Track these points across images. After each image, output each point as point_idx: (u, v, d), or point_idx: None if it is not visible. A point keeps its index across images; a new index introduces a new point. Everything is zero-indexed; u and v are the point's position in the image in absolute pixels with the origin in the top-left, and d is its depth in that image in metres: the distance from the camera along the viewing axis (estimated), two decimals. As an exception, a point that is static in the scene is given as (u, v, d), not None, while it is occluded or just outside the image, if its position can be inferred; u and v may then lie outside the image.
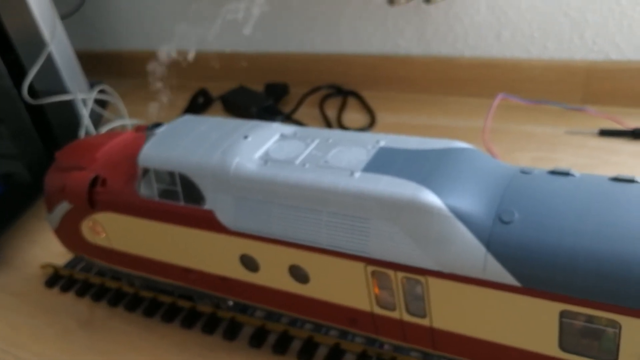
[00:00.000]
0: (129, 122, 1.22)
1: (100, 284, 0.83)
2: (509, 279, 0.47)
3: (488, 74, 1.13)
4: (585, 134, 0.99)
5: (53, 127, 1.10)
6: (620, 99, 1.04)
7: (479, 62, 1.13)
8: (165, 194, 0.63)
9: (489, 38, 1.11)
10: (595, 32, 1.02)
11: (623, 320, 0.44)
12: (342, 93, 1.26)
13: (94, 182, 0.69)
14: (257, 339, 0.70)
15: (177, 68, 1.49)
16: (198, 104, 1.33)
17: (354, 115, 1.18)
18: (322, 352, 0.67)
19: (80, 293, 0.83)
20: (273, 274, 0.60)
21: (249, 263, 0.61)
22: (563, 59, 1.07)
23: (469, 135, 1.03)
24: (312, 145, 0.59)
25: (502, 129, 1.04)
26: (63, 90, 1.12)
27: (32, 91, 1.04)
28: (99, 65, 1.59)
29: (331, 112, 1.20)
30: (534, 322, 0.48)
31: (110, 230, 0.70)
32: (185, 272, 0.68)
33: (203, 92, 1.34)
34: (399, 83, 1.22)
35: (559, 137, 0.99)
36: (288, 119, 1.19)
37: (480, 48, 1.13)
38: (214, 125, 0.65)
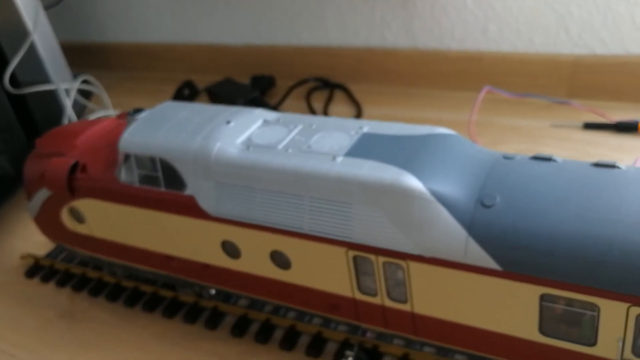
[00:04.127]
0: (113, 113, 1.21)
1: (81, 274, 0.82)
2: (490, 263, 0.47)
3: (474, 68, 1.13)
4: (570, 127, 0.99)
5: (36, 118, 1.09)
6: (605, 93, 1.04)
7: (466, 56, 1.13)
8: (146, 179, 0.62)
9: (476, 32, 1.11)
10: (580, 27, 1.03)
11: (601, 302, 0.44)
12: (329, 86, 1.26)
13: (74, 168, 0.68)
14: (239, 328, 0.70)
15: (163, 60, 1.49)
16: (183, 96, 1.32)
17: (340, 108, 1.18)
18: (304, 340, 0.67)
19: (61, 283, 0.83)
20: (254, 260, 0.60)
21: (230, 249, 0.61)
22: (549, 53, 1.07)
23: (455, 128, 1.03)
24: (295, 131, 0.59)
25: (488, 121, 1.04)
26: (46, 80, 1.11)
27: (14, 82, 1.03)
28: (84, 57, 1.58)
29: (318, 105, 1.20)
30: (514, 306, 0.48)
31: (91, 217, 0.69)
32: (167, 260, 0.67)
33: (189, 84, 1.33)
34: (386, 76, 1.22)
35: (543, 130, 0.99)
36: (274, 111, 1.19)
37: (467, 42, 1.13)
38: (196, 110, 0.65)
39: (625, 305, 0.43)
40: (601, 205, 0.45)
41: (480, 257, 0.47)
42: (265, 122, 0.62)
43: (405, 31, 1.17)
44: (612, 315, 0.44)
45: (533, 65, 1.08)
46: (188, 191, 0.60)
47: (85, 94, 1.21)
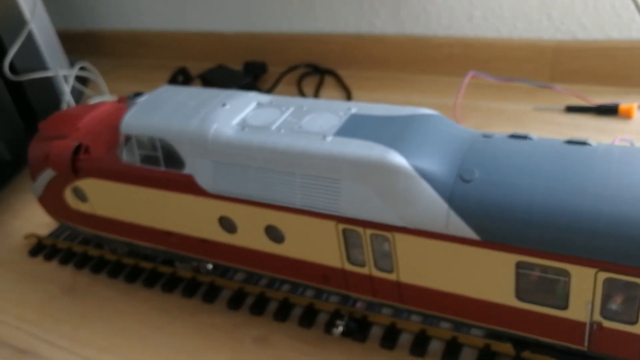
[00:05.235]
0: (110, 98, 1.24)
1: (83, 252, 0.86)
2: (470, 233, 0.50)
3: (460, 53, 1.16)
4: (553, 110, 1.02)
5: (33, 105, 1.12)
6: (586, 77, 1.07)
7: (452, 42, 1.17)
8: (147, 159, 0.66)
9: (461, 18, 1.14)
10: (562, 13, 1.06)
11: (572, 268, 0.48)
12: (319, 72, 1.29)
13: (77, 149, 0.71)
14: (235, 301, 0.73)
15: (157, 47, 1.52)
16: (178, 82, 1.35)
17: (330, 93, 1.21)
18: (297, 311, 0.71)
19: (64, 261, 0.86)
20: (250, 234, 0.63)
21: (227, 225, 0.64)
22: (532, 39, 1.11)
23: (441, 111, 1.05)
24: (287, 113, 0.62)
25: (473, 105, 1.07)
26: (43, 67, 1.13)
27: (12, 70, 1.05)
28: (79, 45, 1.60)
29: (308, 90, 1.23)
30: (492, 273, 0.51)
31: (93, 196, 0.73)
32: (166, 236, 0.70)
33: (182, 71, 1.36)
34: (375, 62, 1.26)
35: (527, 113, 1.03)
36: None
37: (453, 28, 1.16)
38: (193, 94, 0.68)
39: (593, 270, 0.47)
40: (571, 179, 0.49)
41: (461, 228, 0.51)
42: (259, 105, 0.65)
43: (393, 18, 1.20)
44: (582, 280, 0.48)
45: (517, 50, 1.11)
46: (187, 170, 0.63)
47: (82, 80, 1.24)
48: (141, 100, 0.69)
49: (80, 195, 0.74)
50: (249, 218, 0.62)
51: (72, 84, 1.15)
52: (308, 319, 0.69)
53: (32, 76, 1.08)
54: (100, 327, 0.74)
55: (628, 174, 0.48)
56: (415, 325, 0.65)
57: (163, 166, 0.65)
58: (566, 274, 0.48)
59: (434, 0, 1.14)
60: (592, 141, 0.53)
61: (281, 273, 0.65)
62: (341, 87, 1.23)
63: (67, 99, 1.13)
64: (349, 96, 1.17)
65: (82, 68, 1.20)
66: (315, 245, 0.60)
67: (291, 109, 0.63)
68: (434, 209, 0.52)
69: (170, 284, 0.78)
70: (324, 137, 0.57)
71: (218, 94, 0.67)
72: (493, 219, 0.49)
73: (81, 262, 0.85)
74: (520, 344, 0.57)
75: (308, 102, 0.64)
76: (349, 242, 0.58)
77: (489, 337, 0.61)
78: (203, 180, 0.62)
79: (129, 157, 0.67)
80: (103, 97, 1.24)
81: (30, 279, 0.84)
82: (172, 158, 0.64)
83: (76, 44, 1.57)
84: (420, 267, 0.55)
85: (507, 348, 0.60)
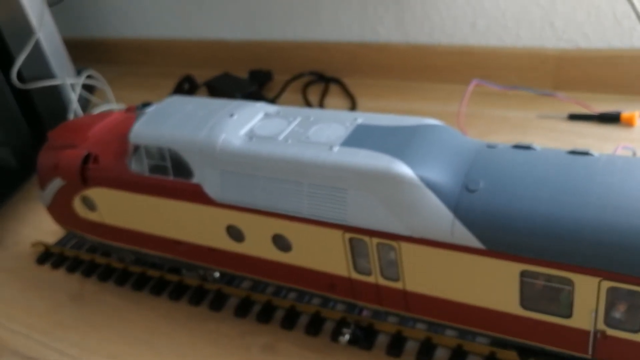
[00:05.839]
0: (116, 107, 1.25)
1: (90, 260, 0.87)
2: (475, 242, 0.51)
3: (463, 62, 1.17)
4: (555, 118, 1.03)
5: (41, 113, 1.12)
6: (589, 85, 1.08)
7: (455, 50, 1.17)
8: (155, 169, 0.67)
9: (465, 27, 1.15)
10: (565, 22, 1.07)
11: (575, 277, 0.48)
12: (324, 80, 1.30)
13: (86, 159, 0.72)
14: (242, 309, 0.74)
15: (163, 55, 1.53)
16: (183, 90, 1.36)
17: (335, 100, 1.22)
18: (304, 320, 0.72)
19: (71, 269, 0.87)
20: (257, 243, 0.64)
21: (234, 233, 0.65)
22: (535, 47, 1.11)
23: (445, 119, 1.06)
24: (294, 123, 0.63)
25: (477, 113, 1.08)
26: (50, 76, 1.14)
27: (20, 78, 1.06)
28: (86, 53, 1.61)
29: (313, 98, 1.24)
30: (497, 282, 0.52)
31: (102, 205, 0.73)
32: (175, 244, 0.71)
33: (188, 79, 1.37)
34: (379, 70, 1.26)
35: (530, 121, 1.04)
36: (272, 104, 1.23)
37: (456, 36, 1.17)
38: (201, 104, 0.69)
39: (596, 279, 0.47)
40: (575, 189, 0.49)
41: (466, 237, 0.51)
42: (266, 115, 0.66)
43: (397, 26, 1.21)
44: (585, 289, 0.48)
45: (520, 58, 1.12)
46: (195, 179, 0.64)
47: (89, 88, 1.25)
48: (150, 110, 0.70)
49: (89, 204, 0.75)
50: (256, 227, 0.63)
51: (79, 92, 1.16)
52: (314, 327, 0.70)
53: (40, 84, 1.09)
54: (108, 334, 0.75)
55: (631, 184, 0.49)
56: (421, 333, 0.65)
57: (171, 176, 0.66)
58: (570, 282, 0.49)
59: (438, 8, 1.15)
60: (595, 151, 0.54)
61: (288, 281, 0.66)
62: (346, 94, 1.23)
63: (75, 107, 1.14)
64: (353, 104, 1.18)
65: (88, 76, 1.21)
66: (322, 254, 0.60)
67: (298, 119, 0.64)
68: (440, 219, 0.52)
69: (177, 292, 0.79)
70: (331, 147, 0.58)
71: (226, 105, 0.68)
72: (498, 228, 0.50)
73: (88, 270, 0.86)
74: (525, 352, 0.58)
75: (315, 113, 0.65)
76: (356, 251, 0.58)
77: (494, 345, 0.62)
78: (211, 189, 0.63)
79: (137, 166, 0.68)
80: (110, 105, 1.25)
81: (38, 286, 0.85)
82: (181, 168, 0.65)
83: (83, 52, 1.58)
84: (426, 275, 0.56)
85: (511, 356, 0.61)
